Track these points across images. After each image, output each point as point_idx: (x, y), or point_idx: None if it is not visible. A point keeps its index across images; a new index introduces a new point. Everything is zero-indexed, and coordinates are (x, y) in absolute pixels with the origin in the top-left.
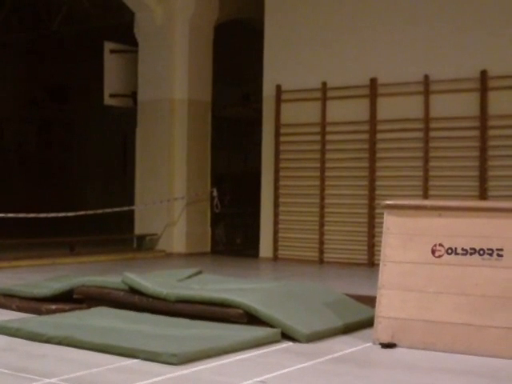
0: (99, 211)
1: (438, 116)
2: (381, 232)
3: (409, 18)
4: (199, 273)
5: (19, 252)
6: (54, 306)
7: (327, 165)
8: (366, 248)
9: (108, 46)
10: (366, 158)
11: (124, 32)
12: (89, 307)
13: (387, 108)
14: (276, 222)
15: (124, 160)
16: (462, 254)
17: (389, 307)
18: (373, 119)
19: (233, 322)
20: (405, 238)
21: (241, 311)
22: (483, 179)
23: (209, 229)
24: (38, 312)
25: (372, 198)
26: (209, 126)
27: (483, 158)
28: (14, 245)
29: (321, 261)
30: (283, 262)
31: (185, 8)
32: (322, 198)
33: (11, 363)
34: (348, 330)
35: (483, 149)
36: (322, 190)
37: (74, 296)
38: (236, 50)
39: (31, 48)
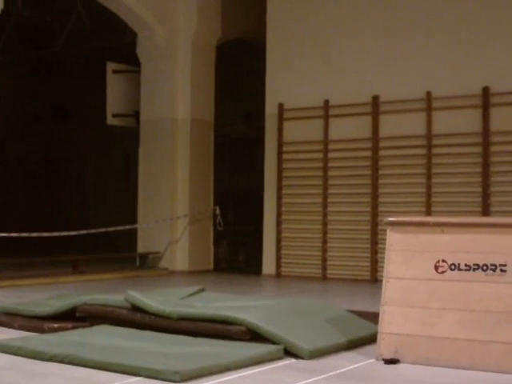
0: (102, 230)
1: (440, 133)
2: (384, 248)
3: (410, 35)
4: (201, 290)
5: (22, 271)
6: (56, 325)
7: (330, 182)
8: (369, 264)
9: (110, 66)
10: (369, 175)
11: (126, 52)
12: (91, 325)
13: (389, 125)
14: (279, 239)
15: (127, 179)
16: (466, 270)
17: (392, 323)
18: (375, 136)
19: (235, 339)
20: (408, 254)
21: (243, 328)
22: (486, 195)
23: (211, 246)
24: (41, 330)
25: (375, 214)
26: (211, 144)
27: (486, 173)
28: (16, 263)
29: (324, 277)
30: (286, 279)
31: (187, 28)
32: (325, 215)
33: (14, 382)
34: (351, 346)
35: (486, 165)
36: (325, 206)
37: (77, 314)
38: (238, 68)
39: (34, 67)
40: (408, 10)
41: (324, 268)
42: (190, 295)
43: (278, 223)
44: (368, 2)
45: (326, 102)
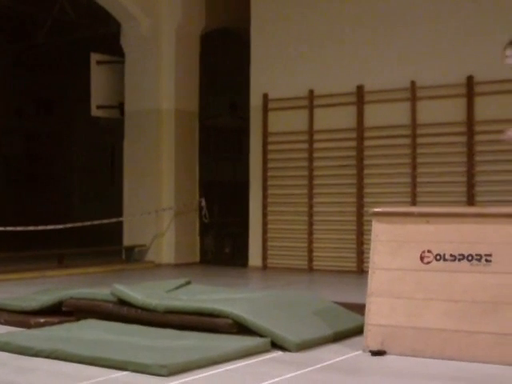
0: (87, 223)
1: (425, 122)
2: (369, 239)
3: (394, 24)
4: (188, 283)
5: (7, 265)
6: (42, 319)
7: (315, 173)
8: (355, 255)
9: (94, 57)
10: (354, 165)
11: (110, 42)
12: (78, 320)
13: (374, 115)
14: (265, 231)
15: (112, 171)
16: (451, 260)
17: (378, 315)
18: (360, 126)
19: (222, 332)
20: (393, 245)
21: (230, 321)
22: (471, 185)
23: (197, 239)
24: (27, 325)
25: (360, 205)
26: (196, 135)
27: (471, 163)
28: (1, 258)
29: (310, 269)
30: (272, 271)
31: (171, 18)
32: (311, 206)
33: (0, 378)
34: (338, 338)
35: (470, 154)
36: (311, 197)
37: (63, 309)
38: (223, 58)
39: (17, 60)
40: (391, 3)
41: (310, 259)
42: (177, 288)
43: (264, 215)
44: None
45: (311, 91)
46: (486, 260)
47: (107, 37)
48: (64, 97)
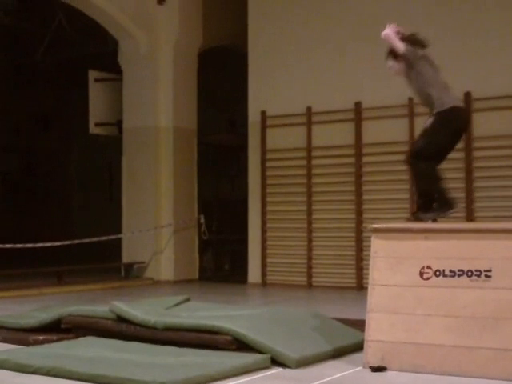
0: (86, 240)
1: None
2: (369, 255)
3: None
4: (187, 300)
5: (5, 283)
6: (41, 337)
7: (314, 189)
8: (354, 271)
9: (92, 74)
10: (353, 181)
11: (108, 60)
12: (77, 337)
13: (372, 131)
14: (264, 248)
15: (110, 188)
16: (451, 276)
17: (378, 331)
18: (358, 143)
19: (222, 349)
20: (392, 261)
21: (229, 338)
22: (470, 200)
23: (196, 256)
24: (26, 343)
25: (359, 221)
26: (195, 152)
27: (469, 179)
28: (0, 275)
29: (309, 285)
30: (272, 288)
31: (169, 36)
32: (310, 223)
33: None
34: (337, 354)
35: (469, 170)
36: (310, 214)
37: (62, 326)
38: (221, 76)
39: (15, 77)
40: (389, 17)
41: (309, 276)
42: (176, 305)
43: (263, 231)
44: (349, 9)
45: (309, 108)
46: (486, 275)
47: (105, 54)
48: (62, 114)
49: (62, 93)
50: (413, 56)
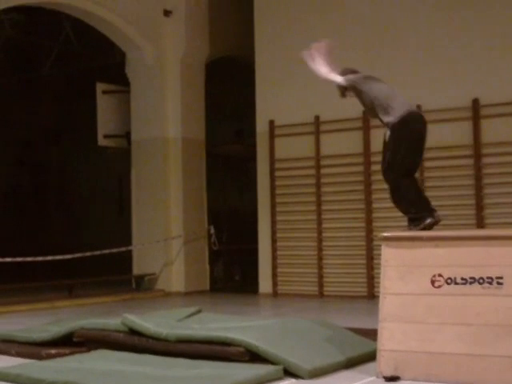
0: (97, 253)
1: (432, 146)
2: (379, 264)
3: (399, 50)
4: (198, 312)
5: (17, 296)
6: (54, 351)
7: (323, 198)
8: (365, 280)
9: (100, 87)
10: (362, 190)
11: (116, 72)
12: (89, 350)
13: (381, 140)
14: (274, 258)
15: (120, 200)
16: (462, 284)
17: (391, 340)
18: (367, 151)
19: (234, 361)
20: (403, 269)
21: (242, 349)
22: (480, 207)
23: (207, 267)
24: (38, 357)
25: (369, 229)
26: (203, 163)
27: (478, 186)
28: (11, 289)
29: (321, 295)
30: (283, 298)
31: (176, 47)
32: (320, 232)
33: None
34: (350, 364)
35: (478, 177)
36: (319, 223)
37: (74, 339)
38: (228, 86)
39: (23, 91)
40: (396, 26)
41: (321, 285)
42: (187, 317)
43: (273, 241)
44: (355, 19)
45: (317, 117)
46: (498, 283)
47: (112, 66)
48: (71, 127)
49: (70, 106)
50: (356, 81)
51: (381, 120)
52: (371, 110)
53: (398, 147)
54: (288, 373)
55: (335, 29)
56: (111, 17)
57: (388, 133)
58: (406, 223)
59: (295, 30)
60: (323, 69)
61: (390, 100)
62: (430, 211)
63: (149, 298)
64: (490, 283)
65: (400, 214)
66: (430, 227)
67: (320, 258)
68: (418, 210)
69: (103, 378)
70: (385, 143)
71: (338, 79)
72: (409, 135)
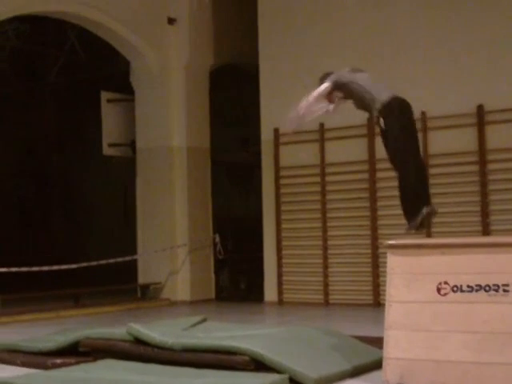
0: (102, 262)
1: (436, 152)
2: (385, 271)
3: (403, 56)
4: (204, 320)
5: (23, 306)
6: (59, 360)
7: (328, 206)
8: (371, 288)
9: (105, 95)
10: (367, 197)
11: (120, 81)
12: (95, 360)
13: None
14: (280, 266)
15: (125, 209)
16: (468, 291)
17: (396, 348)
18: (372, 158)
19: (240, 370)
20: (409, 277)
21: (247, 358)
22: (485, 214)
23: (212, 275)
24: (44, 367)
25: (375, 237)
26: (208, 171)
27: (484, 192)
28: (17, 299)
29: (326, 303)
30: (288, 306)
31: (180, 55)
32: (325, 240)
33: None
34: (356, 372)
35: (483, 183)
36: (325, 231)
37: (80, 349)
38: (233, 94)
39: (28, 100)
40: (399, 33)
41: (326, 293)
42: (193, 326)
43: (279, 249)
44: (359, 27)
45: (321, 125)
46: (504, 290)
47: (117, 75)
48: (75, 136)
49: (74, 115)
50: (338, 76)
51: (370, 109)
52: (360, 99)
53: (394, 128)
54: (294, 381)
55: (339, 37)
56: (115, 25)
57: (381, 120)
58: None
59: (299, 38)
60: (309, 97)
61: (375, 87)
62: (427, 202)
63: (154, 307)
64: (496, 290)
65: (405, 221)
66: (428, 217)
67: (325, 266)
68: (415, 201)
69: None
70: (382, 131)
71: (322, 86)
72: (401, 115)
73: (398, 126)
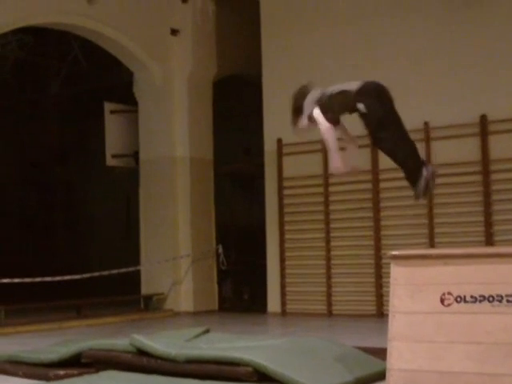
0: (105, 272)
1: (439, 162)
2: (388, 282)
3: (407, 66)
4: (207, 331)
5: (25, 317)
6: (62, 372)
7: (332, 216)
8: (374, 299)
9: (108, 106)
10: (370, 207)
11: (123, 92)
12: (97, 371)
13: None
14: (283, 276)
15: (128, 219)
16: (472, 302)
17: (400, 359)
18: (375, 169)
19: (243, 381)
20: (413, 288)
21: (250, 369)
22: (488, 224)
23: (215, 286)
24: (46, 378)
25: (378, 247)
26: (211, 182)
27: (487, 202)
28: (19, 310)
29: (329, 313)
30: (292, 317)
31: (183, 66)
32: (328, 250)
33: None
34: None
35: (487, 193)
36: (328, 241)
37: (82, 360)
38: (236, 105)
39: (31, 111)
40: (403, 41)
41: (329, 304)
42: (196, 337)
43: (282, 260)
44: (362, 38)
45: None
46: (508, 301)
47: (120, 86)
48: (79, 147)
49: (78, 125)
50: (313, 96)
51: (352, 104)
52: (340, 103)
53: (374, 107)
54: None
55: (341, 48)
56: (119, 37)
57: (361, 104)
58: (415, 240)
59: (303, 48)
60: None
61: (347, 84)
62: (424, 164)
63: (157, 317)
64: (500, 301)
65: (409, 231)
66: (430, 178)
67: (329, 277)
68: (414, 167)
69: None
70: (363, 115)
71: (315, 114)
72: (375, 94)
73: (379, 105)
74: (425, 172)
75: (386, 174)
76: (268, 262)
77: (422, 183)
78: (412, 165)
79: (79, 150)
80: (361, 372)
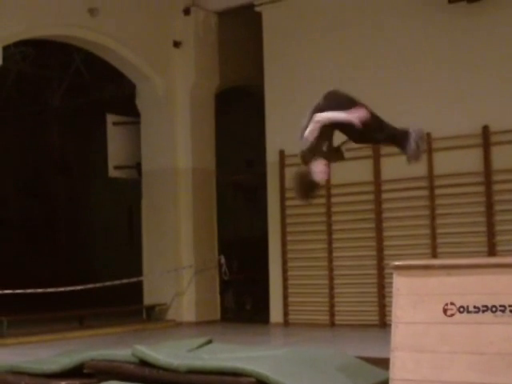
0: (108, 283)
1: (442, 173)
2: (391, 292)
3: (408, 75)
4: (209, 342)
5: (28, 328)
6: (64, 382)
7: (334, 227)
8: (377, 309)
9: (110, 118)
10: (373, 218)
11: (126, 103)
12: (99, 382)
13: (391, 167)
14: (285, 287)
15: (130, 231)
16: (475, 312)
17: (403, 369)
18: (377, 179)
19: None
20: (415, 298)
21: (253, 379)
22: (491, 234)
23: (218, 296)
24: None
25: (380, 258)
26: (214, 193)
27: (490, 212)
28: (22, 320)
29: (332, 324)
30: (294, 327)
31: (185, 78)
32: (331, 261)
33: None
34: None
35: (489, 204)
36: (330, 252)
37: (84, 371)
38: (238, 116)
39: (33, 122)
40: (406, 51)
41: (332, 314)
42: (198, 347)
43: (284, 270)
44: (364, 49)
45: None
46: (511, 311)
47: (123, 98)
48: (81, 158)
49: (80, 137)
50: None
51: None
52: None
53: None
54: None
55: (344, 59)
56: (121, 49)
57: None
58: (417, 251)
59: (305, 61)
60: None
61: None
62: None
63: (160, 328)
64: (503, 311)
65: (411, 242)
66: (419, 138)
67: (331, 287)
68: (399, 132)
69: None
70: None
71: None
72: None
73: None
74: (412, 133)
75: (388, 184)
76: (270, 273)
77: (411, 144)
78: (398, 133)
79: (82, 162)
80: (364, 382)
